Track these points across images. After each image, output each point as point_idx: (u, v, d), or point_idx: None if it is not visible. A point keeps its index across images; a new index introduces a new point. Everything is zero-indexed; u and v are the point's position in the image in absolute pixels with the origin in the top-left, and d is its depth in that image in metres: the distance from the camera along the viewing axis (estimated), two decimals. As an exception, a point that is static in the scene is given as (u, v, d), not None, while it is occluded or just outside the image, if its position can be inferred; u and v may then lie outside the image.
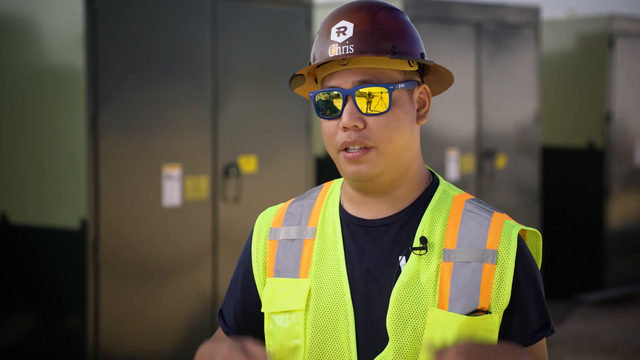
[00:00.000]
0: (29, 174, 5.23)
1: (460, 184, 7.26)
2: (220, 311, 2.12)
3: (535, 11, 7.89)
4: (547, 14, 9.10)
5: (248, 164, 5.79)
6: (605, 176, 8.72)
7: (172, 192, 5.38)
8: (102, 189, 5.06)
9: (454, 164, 7.26)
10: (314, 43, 1.98)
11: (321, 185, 2.08)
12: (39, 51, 5.21)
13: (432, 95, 2.01)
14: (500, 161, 7.63)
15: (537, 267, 1.96)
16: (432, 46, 7.01)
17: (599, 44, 8.72)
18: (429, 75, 2.02)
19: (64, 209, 5.08)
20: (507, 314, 1.90)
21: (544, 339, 1.94)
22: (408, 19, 1.97)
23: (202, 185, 5.55)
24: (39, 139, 5.19)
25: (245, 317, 2.07)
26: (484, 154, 7.50)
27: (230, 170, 5.67)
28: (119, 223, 5.14)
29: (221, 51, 5.62)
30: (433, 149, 7.10)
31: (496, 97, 7.56)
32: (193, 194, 5.50)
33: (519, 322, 1.91)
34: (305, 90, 2.05)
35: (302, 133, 6.10)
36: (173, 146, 5.39)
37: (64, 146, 5.09)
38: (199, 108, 5.53)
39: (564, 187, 8.93)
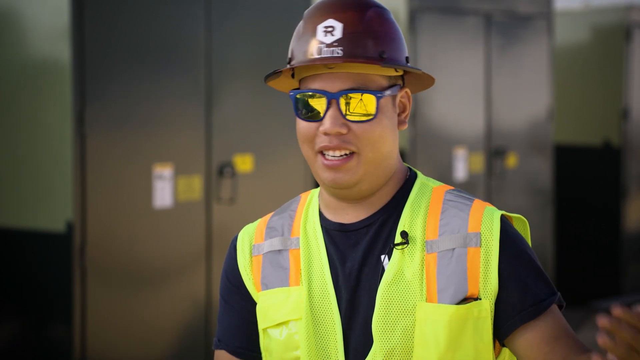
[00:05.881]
0: (12, 174, 5.25)
1: (469, 184, 7.28)
2: (219, 340, 2.08)
3: (548, 1, 7.91)
4: (560, 4, 9.11)
5: (244, 163, 5.82)
6: (622, 176, 8.73)
7: (163, 193, 5.40)
8: (89, 190, 5.09)
9: (462, 163, 7.28)
10: (295, 37, 1.98)
11: (298, 196, 2.11)
12: (21, 45, 5.23)
13: (412, 94, 2.04)
14: (511, 160, 7.65)
15: (526, 242, 1.97)
16: (439, 38, 7.03)
17: (615, 36, 8.74)
18: (409, 76, 2.04)
19: (49, 211, 5.11)
20: (504, 292, 1.91)
21: (556, 307, 1.93)
22: (393, 18, 2.00)
23: (195, 186, 5.57)
24: (22, 137, 5.22)
25: (253, 341, 2.06)
26: (494, 152, 7.52)
27: (225, 169, 5.69)
28: (107, 225, 5.17)
29: (216, 44, 5.65)
30: (439, 147, 7.12)
31: (507, 93, 7.58)
32: (185, 195, 5.52)
33: (521, 296, 1.90)
34: (279, 83, 2.06)
35: (301, 130, 6.12)
36: (164, 145, 5.41)
37: (49, 145, 5.11)
38: (191, 104, 5.55)
39: (578, 188, 8.94)
